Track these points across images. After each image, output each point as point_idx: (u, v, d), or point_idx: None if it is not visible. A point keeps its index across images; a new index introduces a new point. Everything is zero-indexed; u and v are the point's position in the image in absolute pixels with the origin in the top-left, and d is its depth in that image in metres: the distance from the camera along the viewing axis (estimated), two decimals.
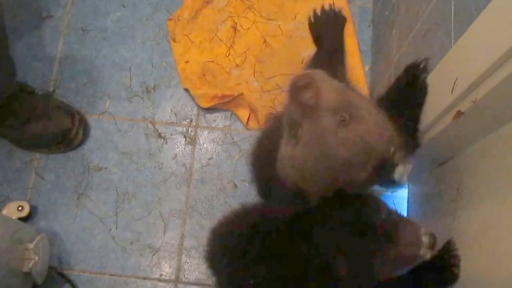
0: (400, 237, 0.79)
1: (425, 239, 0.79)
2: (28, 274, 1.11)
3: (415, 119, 0.89)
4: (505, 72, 0.64)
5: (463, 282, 0.85)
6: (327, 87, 0.75)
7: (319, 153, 0.75)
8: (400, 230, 0.79)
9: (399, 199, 1.28)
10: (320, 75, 0.77)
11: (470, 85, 0.70)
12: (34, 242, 1.12)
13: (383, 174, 0.79)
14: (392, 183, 0.84)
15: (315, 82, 0.75)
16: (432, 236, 0.80)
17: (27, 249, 1.11)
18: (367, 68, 1.43)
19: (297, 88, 0.75)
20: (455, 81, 0.75)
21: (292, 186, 0.82)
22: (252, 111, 1.36)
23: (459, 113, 0.76)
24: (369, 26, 1.48)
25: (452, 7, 0.82)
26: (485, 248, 0.80)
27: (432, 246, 0.79)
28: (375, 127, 0.77)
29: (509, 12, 0.62)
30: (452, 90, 0.75)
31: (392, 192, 1.29)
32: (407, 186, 1.23)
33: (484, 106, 0.72)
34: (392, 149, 0.79)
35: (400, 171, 0.80)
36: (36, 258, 1.11)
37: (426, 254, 0.79)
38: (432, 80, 0.85)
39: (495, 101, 0.70)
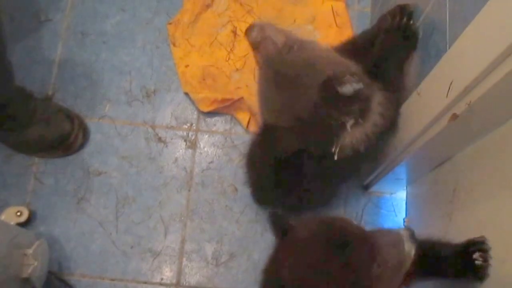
0: (380, 248, 0.78)
1: (407, 246, 0.78)
2: (27, 279, 1.13)
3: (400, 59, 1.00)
4: (498, 75, 0.68)
5: (459, 282, 0.90)
6: (271, 27, 0.97)
7: (271, 74, 0.93)
8: (378, 241, 0.78)
9: (398, 201, 1.33)
10: (265, 23, 0.98)
11: (465, 88, 0.75)
12: (33, 247, 1.14)
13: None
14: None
15: (259, 24, 0.97)
16: (409, 228, 0.80)
17: (26, 254, 1.12)
18: None
19: (246, 32, 0.97)
20: (450, 85, 0.79)
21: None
22: (252, 114, 1.41)
23: (455, 116, 0.80)
24: None
25: (447, 12, 0.86)
26: None
27: (412, 235, 0.79)
28: (320, 54, 0.93)
29: (502, 16, 0.66)
30: (448, 94, 0.80)
31: (391, 194, 1.34)
32: (405, 188, 1.27)
33: (478, 108, 0.76)
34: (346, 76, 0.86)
35: (346, 88, 0.85)
36: (35, 263, 1.13)
37: (411, 248, 0.78)
38: (428, 83, 0.90)
39: (489, 103, 0.75)
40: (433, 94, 0.86)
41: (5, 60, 1.21)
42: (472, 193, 0.89)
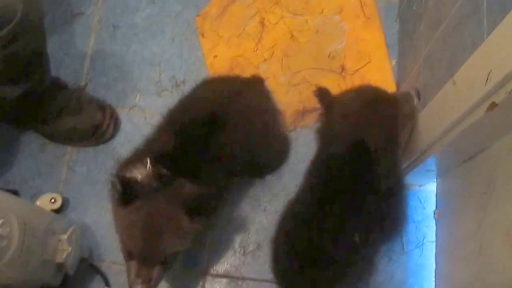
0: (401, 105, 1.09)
1: (413, 93, 1.10)
2: (61, 264, 1.12)
3: None
4: None
5: (497, 275, 0.85)
6: None
7: None
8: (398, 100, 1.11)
9: (427, 193, 1.28)
10: None
11: (505, 76, 0.70)
12: (68, 233, 1.13)
13: None
14: None
15: None
16: (416, 89, 1.10)
17: (60, 240, 1.12)
18: (393, 62, 1.42)
19: None
20: (489, 73, 0.74)
21: None
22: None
23: (493, 105, 0.76)
24: (396, 20, 1.47)
25: (484, 1, 0.81)
26: None
27: (418, 94, 1.09)
28: None
29: None
30: (486, 82, 0.75)
31: (420, 186, 1.29)
32: (435, 180, 1.22)
33: None
34: None
35: None
36: (69, 249, 1.12)
37: (417, 103, 1.09)
38: (464, 73, 0.85)
39: None
40: (470, 83, 0.81)
41: (44, 53, 1.22)
42: (510, 185, 0.84)
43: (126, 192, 0.90)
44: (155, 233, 0.90)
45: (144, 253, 0.90)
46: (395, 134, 1.07)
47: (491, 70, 0.74)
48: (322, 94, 1.22)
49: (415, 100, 1.09)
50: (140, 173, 0.96)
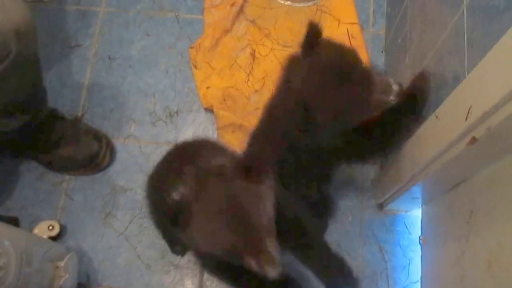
0: (374, 85, 0.89)
1: (394, 87, 0.92)
2: None
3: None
4: None
5: None
6: None
7: None
8: (374, 79, 0.90)
9: (413, 219, 1.27)
10: None
11: (485, 113, 0.70)
12: (64, 261, 1.12)
13: None
14: None
15: None
16: (400, 85, 0.93)
17: (57, 267, 1.11)
18: None
19: None
20: (469, 109, 0.74)
21: None
22: None
23: (473, 140, 0.75)
24: (382, 52, 1.48)
25: (465, 37, 0.81)
26: (500, 270, 0.79)
27: (399, 93, 0.93)
28: None
29: None
30: (466, 118, 0.75)
31: (406, 212, 1.28)
32: (420, 206, 1.21)
33: (499, 133, 0.71)
34: None
35: None
36: (66, 276, 1.11)
37: (393, 100, 0.93)
38: (446, 107, 0.85)
39: (510, 128, 0.69)
40: (452, 117, 0.81)
41: (40, 87, 1.21)
42: (491, 215, 0.83)
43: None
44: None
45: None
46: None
47: (471, 106, 0.73)
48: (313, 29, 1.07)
49: (394, 85, 0.95)
50: None
